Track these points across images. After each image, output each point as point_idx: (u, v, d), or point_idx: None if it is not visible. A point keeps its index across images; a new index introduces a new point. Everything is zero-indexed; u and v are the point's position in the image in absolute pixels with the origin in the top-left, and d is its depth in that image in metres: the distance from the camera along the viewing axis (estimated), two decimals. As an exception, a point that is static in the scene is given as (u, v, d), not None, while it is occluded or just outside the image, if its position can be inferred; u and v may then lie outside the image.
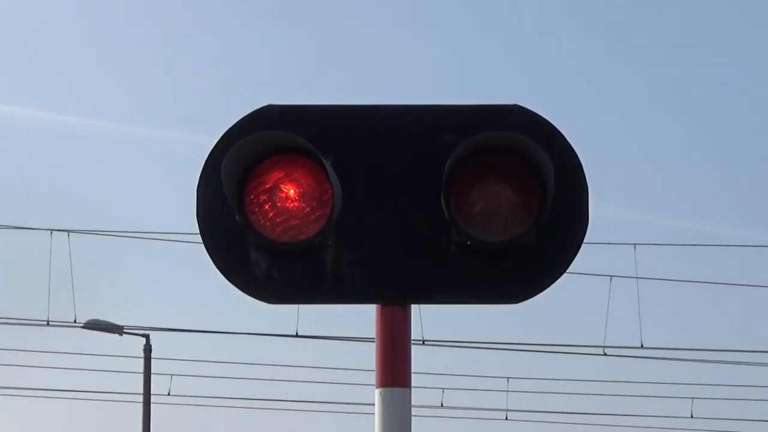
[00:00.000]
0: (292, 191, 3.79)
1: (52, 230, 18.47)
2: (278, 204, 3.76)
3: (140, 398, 20.44)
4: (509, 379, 22.34)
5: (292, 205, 3.78)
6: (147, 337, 20.44)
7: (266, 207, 3.78)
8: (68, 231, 18.46)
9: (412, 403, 4.03)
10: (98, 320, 19.52)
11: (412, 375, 4.02)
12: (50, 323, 18.90)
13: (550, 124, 3.85)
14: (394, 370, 3.90)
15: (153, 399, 20.48)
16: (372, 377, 3.97)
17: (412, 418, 3.99)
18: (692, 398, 23.58)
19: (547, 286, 3.86)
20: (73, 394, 22.21)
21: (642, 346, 19.73)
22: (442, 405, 21.73)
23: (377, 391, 3.91)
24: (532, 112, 3.89)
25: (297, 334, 18.02)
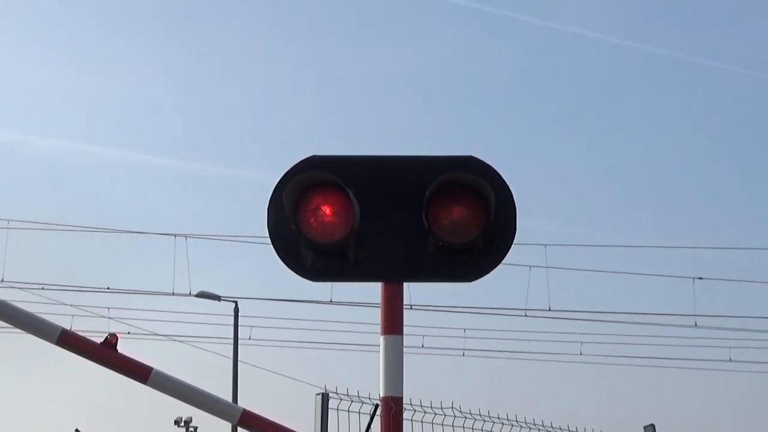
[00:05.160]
0: (328, 210, 5.12)
1: (175, 235, 24.91)
2: (319, 219, 5.10)
3: (231, 342, 30.23)
4: (465, 330, 31.73)
5: (328, 219, 5.12)
6: (236, 302, 30.37)
7: (311, 220, 5.11)
8: (186, 236, 25.16)
9: (404, 345, 5.30)
10: (205, 291, 27.42)
11: (404, 327, 5.31)
12: (174, 293, 26.51)
13: (493, 168, 5.24)
14: (393, 323, 5.21)
15: (240, 342, 30.35)
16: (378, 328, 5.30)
17: (404, 354, 5.27)
18: (581, 342, 32.50)
19: (490, 271, 5.24)
20: (190, 339, 30.50)
21: (549, 309, 28.03)
22: (422, 346, 29.91)
23: (382, 338, 5.21)
24: (482, 160, 5.26)
25: (331, 301, 25.25)
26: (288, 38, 63.36)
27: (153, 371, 7.82)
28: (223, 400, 6.75)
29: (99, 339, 5.43)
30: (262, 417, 7.74)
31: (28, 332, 9.29)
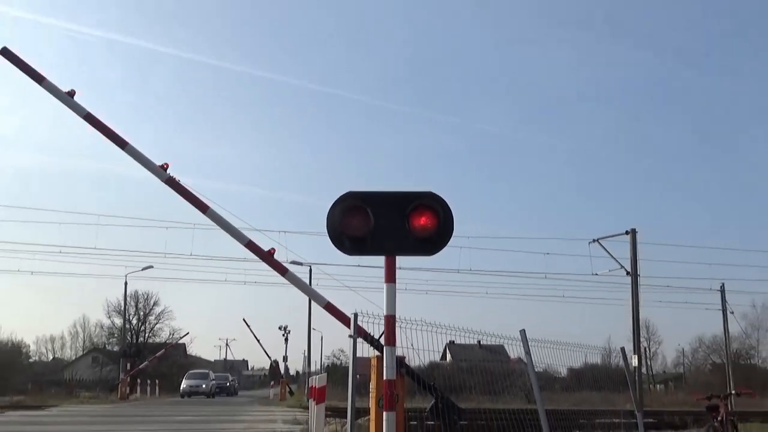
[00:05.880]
0: (357, 220, 8.86)
1: (278, 231, 36.26)
2: (352, 223, 8.85)
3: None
4: (427, 280, 42.81)
5: (358, 224, 8.85)
6: (310, 266, 45.31)
7: (348, 224, 8.86)
8: (285, 232, 40.76)
9: (396, 288, 9.05)
10: (295, 260, 39.13)
11: (396, 278, 9.06)
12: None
13: (442, 198, 9.05)
14: (391, 276, 9.01)
15: (313, 285, 43.52)
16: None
17: (396, 293, 9.03)
18: (487, 287, 39.38)
19: (440, 250, 9.05)
20: (285, 285, 43.70)
21: (470, 270, 40.60)
22: (405, 289, 41.97)
23: (385, 285, 9.07)
24: (436, 194, 9.07)
25: (359, 265, 35.87)
26: (337, 134, 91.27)
27: (288, 271, 13.30)
28: (319, 293, 12.28)
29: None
30: (336, 308, 12.83)
31: (228, 233, 14.65)
